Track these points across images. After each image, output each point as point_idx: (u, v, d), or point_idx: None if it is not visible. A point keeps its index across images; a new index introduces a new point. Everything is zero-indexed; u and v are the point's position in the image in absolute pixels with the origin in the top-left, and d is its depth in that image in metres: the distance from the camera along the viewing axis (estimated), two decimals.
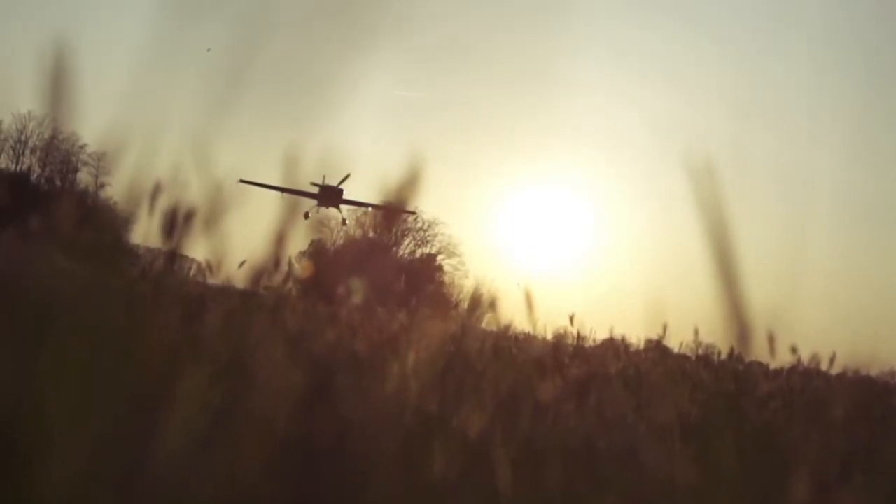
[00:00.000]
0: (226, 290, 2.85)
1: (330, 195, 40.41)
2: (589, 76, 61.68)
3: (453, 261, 42.28)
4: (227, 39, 2.02)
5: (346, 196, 42.04)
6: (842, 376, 5.73)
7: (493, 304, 3.27)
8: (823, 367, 5.37)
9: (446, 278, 41.39)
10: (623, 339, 6.50)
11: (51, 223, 1.87)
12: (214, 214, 2.12)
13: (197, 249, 2.28)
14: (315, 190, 40.34)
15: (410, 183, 2.10)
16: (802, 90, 62.92)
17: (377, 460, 1.62)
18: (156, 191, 2.20)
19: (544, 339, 4.38)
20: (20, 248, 2.09)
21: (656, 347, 6.69)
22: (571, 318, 5.09)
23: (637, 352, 6.70)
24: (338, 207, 42.37)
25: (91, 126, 2.14)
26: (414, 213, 40.36)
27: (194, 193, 2.15)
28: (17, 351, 1.32)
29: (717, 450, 1.71)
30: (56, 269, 1.62)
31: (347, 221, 42.52)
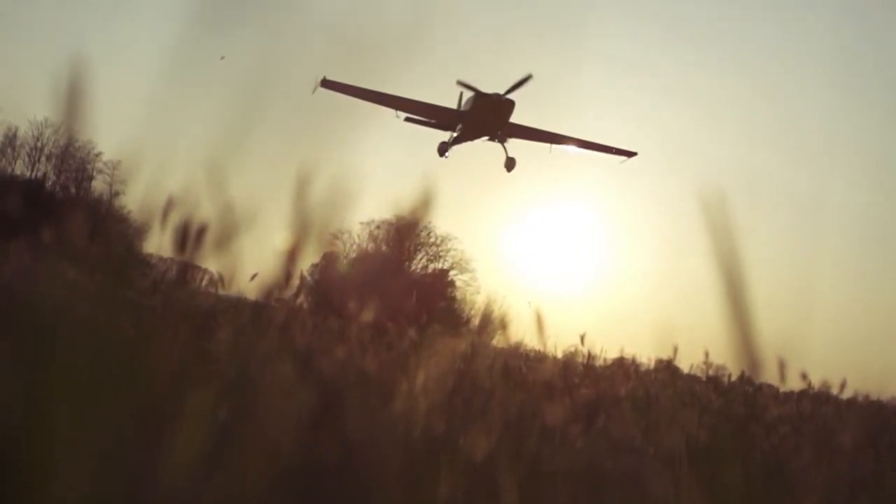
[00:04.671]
0: (237, 303, 2.85)
1: (494, 110, 23.56)
2: (602, 96, 61.61)
3: (465, 276, 41.43)
4: (247, 58, 2.03)
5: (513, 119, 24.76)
6: (852, 401, 5.71)
7: (503, 323, 3.26)
8: (834, 391, 5.35)
9: (458, 294, 40.47)
10: (633, 359, 6.47)
11: (63, 234, 1.88)
12: (228, 227, 2.12)
13: (210, 260, 2.27)
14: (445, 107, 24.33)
15: (424, 199, 2.10)
16: (817, 114, 62.84)
17: (383, 481, 1.62)
18: (170, 202, 2.20)
19: (555, 358, 4.37)
20: (32, 260, 2.09)
21: (666, 368, 6.67)
22: (582, 338, 5.07)
23: (647, 371, 6.67)
24: (497, 137, 25.16)
25: (108, 135, 2.15)
26: (635, 153, 27.66)
27: (208, 205, 2.15)
28: (24, 364, 1.33)
29: (725, 476, 1.70)
30: (66, 281, 1.63)
31: (516, 162, 26.03)
